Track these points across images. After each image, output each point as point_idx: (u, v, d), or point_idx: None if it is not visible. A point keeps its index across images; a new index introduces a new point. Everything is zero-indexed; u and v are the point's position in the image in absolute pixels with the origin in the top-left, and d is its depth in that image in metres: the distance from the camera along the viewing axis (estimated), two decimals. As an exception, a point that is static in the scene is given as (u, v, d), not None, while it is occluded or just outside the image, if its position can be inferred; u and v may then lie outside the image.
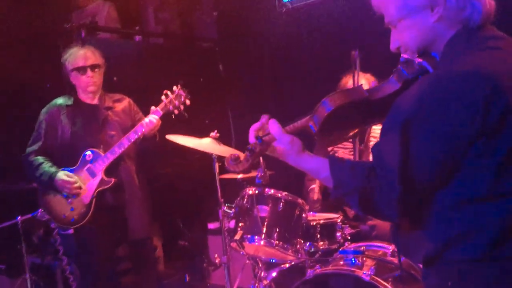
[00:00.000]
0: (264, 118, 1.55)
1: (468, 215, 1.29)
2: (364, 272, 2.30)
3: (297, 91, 4.61)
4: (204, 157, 4.79)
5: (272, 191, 2.69)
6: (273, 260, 2.84)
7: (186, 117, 3.25)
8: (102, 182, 3.17)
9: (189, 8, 4.92)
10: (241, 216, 2.73)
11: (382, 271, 2.39)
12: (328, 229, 2.83)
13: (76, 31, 3.88)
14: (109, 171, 3.19)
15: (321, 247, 2.78)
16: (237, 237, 2.60)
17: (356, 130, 1.60)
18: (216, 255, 3.11)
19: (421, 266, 2.23)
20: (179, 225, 4.70)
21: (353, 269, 2.39)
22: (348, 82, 3.30)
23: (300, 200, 2.72)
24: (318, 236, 2.79)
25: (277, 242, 2.58)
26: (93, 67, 3.21)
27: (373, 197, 1.35)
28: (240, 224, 2.68)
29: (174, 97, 3.22)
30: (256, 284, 2.70)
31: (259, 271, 2.75)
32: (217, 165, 3.07)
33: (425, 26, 1.41)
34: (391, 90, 1.43)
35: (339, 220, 2.85)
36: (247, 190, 2.74)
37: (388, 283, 2.28)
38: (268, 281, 2.70)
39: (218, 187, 3.06)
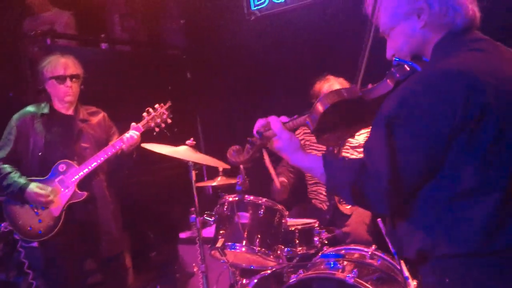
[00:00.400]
0: (262, 120, 1.62)
1: (456, 209, 1.34)
2: (348, 275, 2.33)
3: (266, 99, 4.63)
4: (173, 166, 4.78)
5: (252, 197, 2.68)
6: (252, 267, 2.83)
7: (168, 135, 3.26)
8: (74, 195, 3.09)
9: (156, 15, 4.87)
10: (221, 224, 2.71)
11: (363, 273, 2.43)
12: (306, 234, 2.86)
13: (41, 38, 3.76)
14: (81, 184, 3.11)
15: (299, 252, 2.80)
16: (218, 244, 2.57)
17: (353, 129, 1.65)
18: (193, 264, 3.06)
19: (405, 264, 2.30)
20: (149, 236, 4.61)
21: (336, 272, 2.41)
22: (322, 87, 3.35)
23: (279, 206, 2.73)
24: (297, 241, 2.82)
25: (259, 248, 2.57)
26: (72, 77, 3.16)
27: (364, 190, 1.40)
28: (221, 232, 2.66)
29: (157, 114, 3.24)
30: (237, 292, 2.68)
31: (240, 279, 2.73)
32: (193, 173, 3.04)
33: (414, 32, 1.49)
34: (384, 91, 1.49)
35: (316, 225, 2.89)
36: (226, 197, 2.73)
37: (372, 286, 2.31)
38: (249, 288, 2.69)
39: (195, 195, 3.04)
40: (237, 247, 2.59)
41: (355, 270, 2.39)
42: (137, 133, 3.17)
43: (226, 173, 3.47)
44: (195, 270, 3.05)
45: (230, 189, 3.45)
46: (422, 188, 1.38)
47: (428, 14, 1.45)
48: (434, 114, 1.29)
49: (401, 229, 1.49)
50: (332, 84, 3.32)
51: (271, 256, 2.61)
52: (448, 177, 1.33)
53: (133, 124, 3.21)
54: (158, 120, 3.25)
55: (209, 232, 4.21)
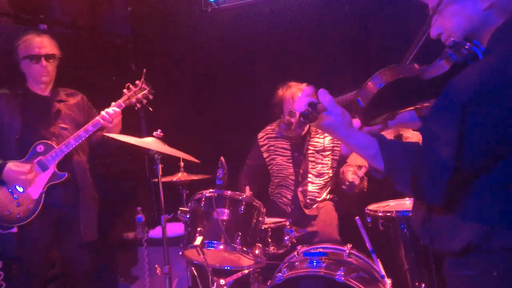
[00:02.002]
0: (309, 88, 1.47)
1: None
2: (337, 273, 2.27)
3: (218, 93, 4.50)
4: (117, 163, 4.47)
5: (232, 193, 2.54)
6: (227, 267, 2.68)
7: (150, 111, 3.19)
8: (54, 176, 2.96)
9: (101, 0, 4.53)
10: (197, 221, 2.52)
11: (348, 272, 2.38)
12: (278, 233, 2.77)
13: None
14: (61, 165, 2.97)
15: (271, 252, 2.71)
16: (197, 242, 2.39)
17: (400, 110, 1.56)
18: (156, 265, 2.84)
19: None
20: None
21: (323, 270, 2.34)
22: (284, 95, 3.29)
23: (259, 203, 2.61)
24: (269, 240, 2.71)
25: (240, 246, 2.43)
26: (48, 57, 3.03)
27: (421, 179, 1.32)
28: (198, 229, 2.47)
29: (137, 90, 3.16)
30: (213, 293, 2.51)
31: (216, 279, 2.57)
32: (160, 167, 2.82)
33: (474, 13, 1.39)
34: (439, 72, 1.40)
35: (287, 224, 2.81)
36: (204, 193, 2.55)
37: (360, 284, 2.28)
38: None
39: (161, 191, 2.82)
40: (216, 245, 2.43)
41: (341, 268, 2.34)
42: (118, 109, 3.07)
43: (188, 169, 3.28)
44: (158, 271, 2.81)
45: (191, 185, 3.28)
46: (480, 176, 1.33)
47: None
48: (510, 105, 1.25)
49: (443, 219, 1.41)
50: (295, 92, 3.27)
51: (250, 255, 2.48)
52: (509, 165, 1.29)
53: (113, 103, 3.11)
54: (140, 96, 3.16)
55: (157, 232, 3.99)
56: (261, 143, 3.41)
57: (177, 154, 2.86)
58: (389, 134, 2.13)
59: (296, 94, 3.25)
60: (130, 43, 4.66)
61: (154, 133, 2.86)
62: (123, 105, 3.12)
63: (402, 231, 2.73)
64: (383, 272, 2.58)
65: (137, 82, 3.19)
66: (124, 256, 4.05)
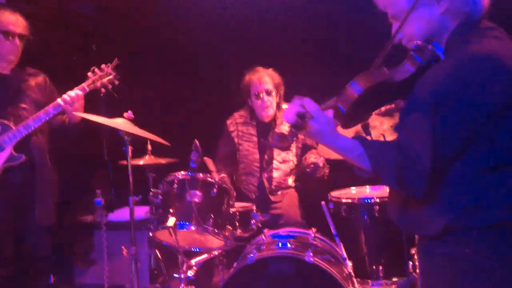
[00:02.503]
0: (297, 99, 1.54)
1: (488, 182, 1.43)
2: (307, 254, 2.38)
3: (180, 78, 4.50)
4: (75, 145, 4.37)
5: (205, 175, 2.59)
6: (196, 249, 2.73)
7: (116, 96, 3.11)
8: (10, 157, 2.85)
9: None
10: (169, 202, 2.56)
11: (316, 254, 2.49)
12: (245, 217, 2.84)
13: None
14: (19, 147, 2.86)
15: (238, 235, 2.78)
16: (170, 223, 2.42)
17: (375, 110, 1.68)
18: (122, 247, 2.83)
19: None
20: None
21: (292, 252, 2.44)
22: (251, 79, 3.36)
23: (230, 186, 2.67)
24: (237, 223, 2.79)
25: (212, 228, 2.49)
26: (21, 36, 2.97)
27: (403, 172, 1.42)
28: (170, 211, 2.50)
29: (103, 74, 3.06)
30: (182, 275, 2.55)
31: (186, 260, 2.61)
32: (130, 149, 2.80)
33: (432, 18, 1.53)
34: (406, 74, 1.53)
35: (254, 209, 2.89)
36: (176, 175, 2.58)
37: (327, 265, 2.39)
38: (195, 269, 2.59)
39: (130, 173, 2.80)
40: (188, 226, 2.48)
41: (308, 250, 2.44)
42: (80, 92, 2.97)
43: (155, 152, 3.28)
44: (124, 253, 2.81)
45: (159, 169, 3.28)
46: (452, 165, 1.44)
47: (449, 1, 1.50)
48: (478, 97, 1.37)
49: (420, 207, 1.52)
50: (262, 76, 3.36)
51: (221, 236, 2.55)
52: (481, 152, 1.41)
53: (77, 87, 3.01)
54: (105, 81, 3.06)
55: (116, 216, 3.96)
56: (231, 129, 3.46)
57: (148, 136, 2.86)
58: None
59: (263, 77, 3.33)
60: (91, 23, 4.56)
61: (125, 114, 2.84)
62: (87, 89, 3.03)
63: (363, 218, 2.85)
64: (345, 255, 2.72)
65: (102, 66, 3.10)
66: (81, 240, 4.00)
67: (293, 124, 1.47)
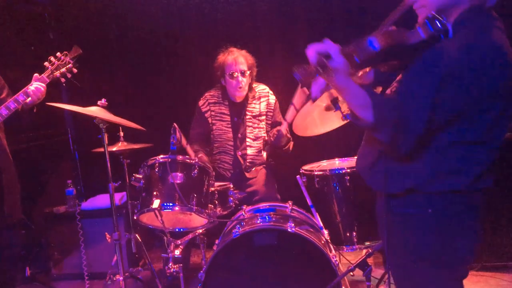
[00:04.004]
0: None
1: (464, 154, 1.59)
2: (288, 225, 2.51)
3: (141, 67, 4.49)
4: (47, 135, 4.29)
5: (184, 157, 2.65)
6: (180, 229, 2.80)
7: (78, 85, 3.07)
8: None
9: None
10: (152, 185, 2.61)
11: (296, 224, 2.63)
12: (223, 195, 2.94)
13: None
14: None
15: (218, 212, 2.88)
16: (155, 205, 2.49)
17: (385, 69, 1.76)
18: (106, 233, 2.87)
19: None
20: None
21: (274, 223, 2.56)
22: (225, 60, 3.41)
23: (209, 166, 2.75)
24: (216, 202, 2.88)
25: (196, 207, 2.57)
26: None
27: (397, 130, 1.55)
28: (154, 193, 2.57)
29: (61, 63, 3.02)
30: (170, 254, 2.63)
31: (172, 240, 2.69)
32: (106, 136, 2.83)
33: None
34: (417, 39, 1.58)
35: (231, 187, 2.99)
36: (157, 159, 2.63)
37: (307, 234, 2.54)
38: (181, 248, 2.67)
39: (108, 160, 2.83)
40: (172, 207, 2.55)
41: (289, 220, 2.58)
42: (43, 84, 2.93)
43: (128, 138, 3.30)
44: (108, 239, 2.85)
45: (132, 154, 3.31)
46: (439, 134, 1.58)
47: None
48: (481, 81, 1.51)
49: (394, 165, 1.67)
50: (237, 56, 3.40)
51: (205, 215, 2.64)
52: (465, 127, 1.56)
53: (36, 75, 2.95)
54: (64, 70, 3.03)
55: (89, 204, 3.96)
56: (204, 109, 3.50)
57: (123, 123, 2.88)
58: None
59: (238, 58, 3.39)
60: (47, 11, 4.45)
61: (99, 102, 2.85)
62: (48, 80, 3.00)
63: (334, 188, 2.99)
64: (321, 224, 2.87)
65: (58, 54, 3.07)
66: (56, 231, 3.97)
67: (318, 63, 1.53)
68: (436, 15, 1.57)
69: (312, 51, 1.57)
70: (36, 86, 2.89)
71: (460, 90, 1.52)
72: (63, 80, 3.04)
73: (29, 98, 2.86)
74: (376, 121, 1.57)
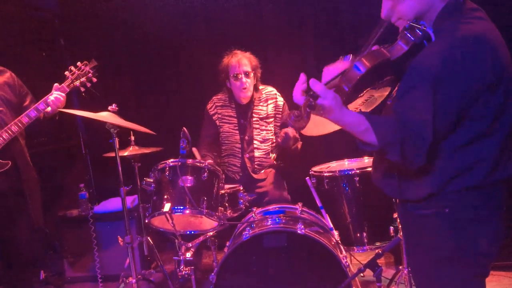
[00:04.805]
0: (303, 77, 1.61)
1: (473, 150, 1.59)
2: (298, 227, 2.52)
3: (149, 70, 4.54)
4: (56, 140, 4.36)
5: (194, 161, 2.68)
6: (191, 232, 2.83)
7: (98, 95, 3.11)
8: None
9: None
10: (163, 189, 2.65)
11: (306, 226, 2.65)
12: (233, 197, 2.97)
13: None
14: (2, 153, 2.78)
15: (228, 215, 2.91)
16: (166, 209, 2.52)
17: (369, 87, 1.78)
18: (118, 236, 2.91)
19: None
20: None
21: (284, 226, 2.58)
22: (230, 62, 3.45)
23: (218, 169, 2.78)
24: (226, 204, 2.91)
25: (206, 210, 2.60)
26: None
27: (406, 146, 1.54)
28: (164, 197, 2.60)
29: (81, 73, 3.04)
30: (181, 257, 2.66)
31: (184, 243, 2.72)
32: (117, 140, 2.86)
33: None
34: (400, 52, 1.64)
35: (241, 189, 3.01)
36: (167, 162, 2.67)
37: (317, 235, 2.55)
38: (193, 251, 2.70)
39: (119, 164, 2.87)
40: (183, 210, 2.58)
41: (299, 222, 2.59)
42: (63, 94, 2.95)
43: (138, 142, 3.34)
44: (120, 242, 2.89)
45: (143, 158, 3.35)
46: (444, 139, 1.58)
47: None
48: (473, 75, 1.50)
49: (405, 174, 1.68)
50: (240, 58, 3.44)
51: (215, 217, 2.66)
52: (470, 126, 1.56)
53: (56, 84, 2.97)
54: (83, 79, 3.04)
55: (102, 208, 4.00)
56: (211, 112, 3.54)
57: (134, 127, 2.92)
58: None
59: (242, 60, 3.42)
60: (57, 17, 4.51)
61: (109, 107, 2.89)
62: (68, 89, 3.02)
63: (344, 189, 3.00)
64: (331, 225, 2.88)
65: (78, 64, 3.09)
66: (69, 234, 4.03)
67: (308, 105, 1.54)
68: (414, 24, 1.61)
69: (297, 93, 1.59)
70: (56, 96, 2.91)
71: (455, 88, 1.52)
72: (82, 89, 3.06)
73: (49, 108, 2.89)
74: (380, 143, 1.57)
